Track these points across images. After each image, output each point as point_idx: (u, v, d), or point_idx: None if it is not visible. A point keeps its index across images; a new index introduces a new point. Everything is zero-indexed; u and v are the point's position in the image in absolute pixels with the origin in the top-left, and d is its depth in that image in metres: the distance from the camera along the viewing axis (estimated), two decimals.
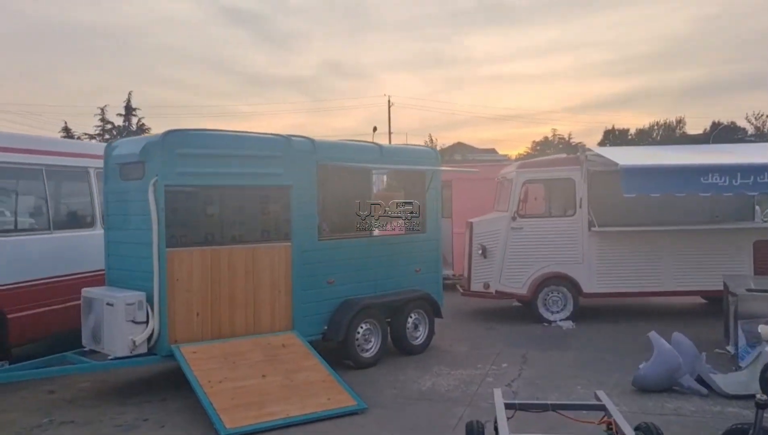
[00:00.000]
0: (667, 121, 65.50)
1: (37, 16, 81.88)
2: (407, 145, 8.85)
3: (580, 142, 58.12)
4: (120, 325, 6.29)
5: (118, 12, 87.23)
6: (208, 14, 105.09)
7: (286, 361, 6.54)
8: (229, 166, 6.83)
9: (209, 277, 6.66)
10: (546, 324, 9.99)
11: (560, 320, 10.00)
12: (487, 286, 10.39)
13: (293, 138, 7.37)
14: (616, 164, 8.59)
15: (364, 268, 7.94)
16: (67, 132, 44.81)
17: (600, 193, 10.04)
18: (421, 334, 8.39)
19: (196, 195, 7.49)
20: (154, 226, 6.33)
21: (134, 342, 6.31)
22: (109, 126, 46.66)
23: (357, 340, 7.55)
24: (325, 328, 7.47)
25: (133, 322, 6.32)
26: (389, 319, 8.07)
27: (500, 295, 10.37)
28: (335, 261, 7.62)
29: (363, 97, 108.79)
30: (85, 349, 6.83)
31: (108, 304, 6.41)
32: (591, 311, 10.71)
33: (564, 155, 12.95)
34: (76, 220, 8.51)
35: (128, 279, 6.82)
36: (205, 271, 6.64)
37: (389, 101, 48.50)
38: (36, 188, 7.92)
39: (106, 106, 46.97)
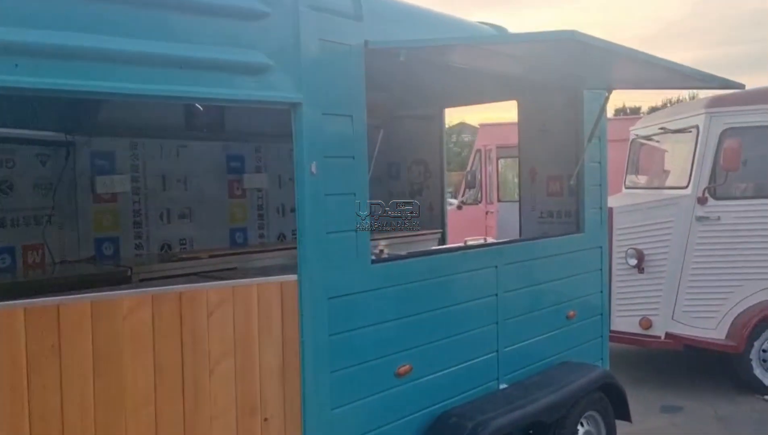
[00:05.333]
0: (680, 97, 63.06)
1: None
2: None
3: None
4: None
5: None
6: None
7: None
8: (99, 33, 2.10)
9: (40, 398, 2.00)
10: None
11: None
12: (647, 323, 5.77)
13: None
14: None
15: (472, 325, 3.28)
16: None
17: None
18: None
19: None
20: None
21: None
22: None
23: None
24: None
25: None
26: None
27: (674, 340, 5.73)
28: (410, 316, 2.94)
29: None
30: None
31: None
32: None
33: None
34: None
35: None
36: (18, 375, 1.98)
37: None
38: None
39: None
